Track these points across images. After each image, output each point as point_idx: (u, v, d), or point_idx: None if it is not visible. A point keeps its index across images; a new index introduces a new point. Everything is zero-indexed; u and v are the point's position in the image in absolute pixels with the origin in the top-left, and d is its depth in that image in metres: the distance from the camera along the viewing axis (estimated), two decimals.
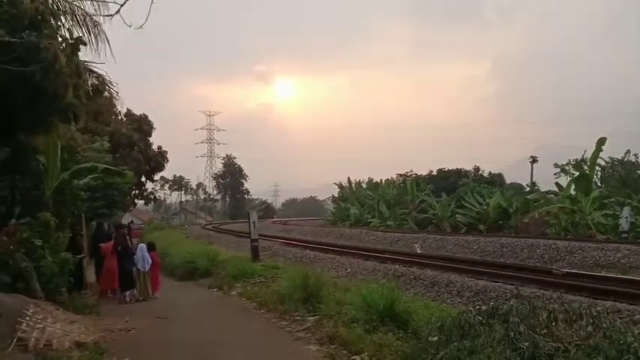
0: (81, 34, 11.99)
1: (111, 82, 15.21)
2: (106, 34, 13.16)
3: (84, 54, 12.48)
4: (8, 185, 16.71)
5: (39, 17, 9.70)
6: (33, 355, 9.60)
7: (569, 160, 49.55)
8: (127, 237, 19.87)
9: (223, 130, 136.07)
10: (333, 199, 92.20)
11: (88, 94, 11.83)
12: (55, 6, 11.40)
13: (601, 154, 41.49)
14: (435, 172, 77.84)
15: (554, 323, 7.41)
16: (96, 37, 13.03)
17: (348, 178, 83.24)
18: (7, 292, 11.35)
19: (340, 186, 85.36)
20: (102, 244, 19.72)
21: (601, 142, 39.47)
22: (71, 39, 11.15)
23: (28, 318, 10.58)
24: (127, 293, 18.19)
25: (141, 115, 50.96)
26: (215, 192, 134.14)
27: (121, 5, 7.92)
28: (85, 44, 11.56)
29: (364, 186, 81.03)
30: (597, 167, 45.91)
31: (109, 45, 13.23)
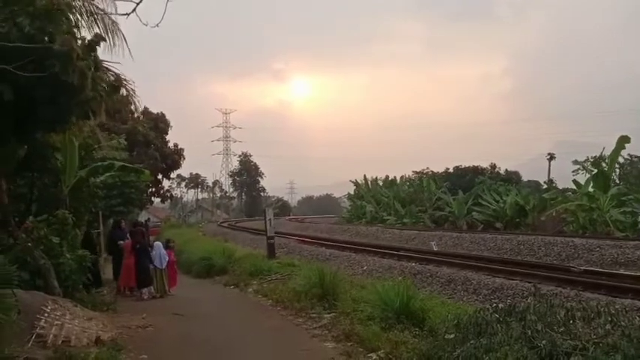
0: (98, 32, 12.06)
1: (127, 80, 15.28)
2: (122, 33, 13.24)
3: (102, 54, 12.56)
4: (27, 183, 16.83)
5: (55, 11, 9.73)
6: (51, 351, 9.65)
7: (588, 157, 49.21)
8: (145, 234, 19.95)
9: (239, 127, 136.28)
10: (349, 197, 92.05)
11: (105, 90, 11.85)
12: (72, 3, 11.45)
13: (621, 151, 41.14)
14: (451, 170, 77.64)
15: (571, 321, 7.39)
16: (112, 34, 13.10)
17: (364, 176, 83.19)
18: (26, 289, 11.40)
19: (356, 183, 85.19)
20: (121, 242, 19.76)
21: (623, 140, 39.05)
22: (89, 37, 11.20)
23: (46, 314, 10.64)
24: (144, 290, 18.25)
25: (158, 113, 51.04)
26: (231, 190, 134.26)
27: (137, 4, 7.93)
28: (104, 40, 11.62)
29: (380, 183, 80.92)
30: (616, 164, 45.54)
31: (127, 43, 13.30)
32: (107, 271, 21.07)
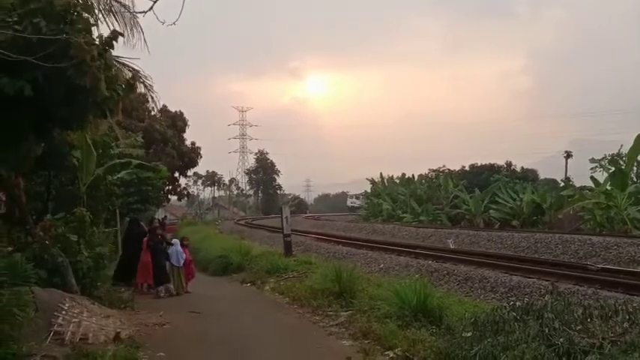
0: (117, 29, 12.09)
1: (145, 76, 15.30)
2: (141, 28, 13.28)
3: (122, 50, 12.61)
4: (44, 181, 16.90)
5: (72, 11, 9.75)
6: (69, 349, 9.68)
7: (605, 154, 48.95)
8: (161, 232, 19.99)
9: (256, 125, 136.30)
10: (365, 195, 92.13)
11: (122, 87, 11.88)
12: (89, 1, 11.48)
13: None
14: (467, 168, 77.49)
15: (589, 319, 7.39)
16: (131, 31, 13.15)
17: (380, 174, 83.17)
18: (44, 286, 11.46)
19: (372, 181, 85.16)
20: (144, 239, 19.77)
21: None
22: (106, 33, 11.22)
23: (64, 312, 10.69)
24: (161, 288, 18.29)
25: (176, 111, 51.17)
26: (248, 187, 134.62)
27: (154, 2, 7.93)
28: (122, 35, 11.63)
29: (397, 181, 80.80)
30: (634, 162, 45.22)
31: (145, 40, 13.36)
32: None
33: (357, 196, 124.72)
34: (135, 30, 12.98)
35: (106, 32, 11.38)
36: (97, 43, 10.37)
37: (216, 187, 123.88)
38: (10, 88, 9.25)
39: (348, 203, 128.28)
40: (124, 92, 11.98)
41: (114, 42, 10.93)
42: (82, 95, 10.45)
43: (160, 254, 18.56)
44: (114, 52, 11.66)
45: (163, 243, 19.18)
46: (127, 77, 12.68)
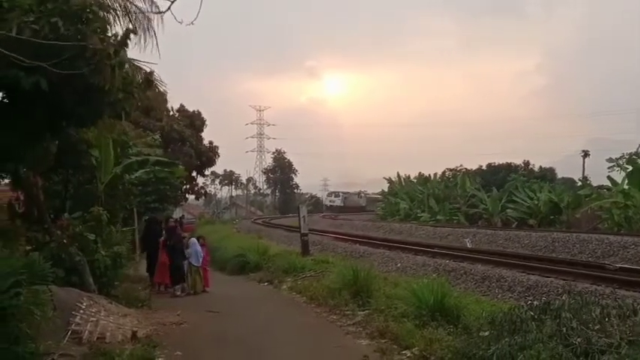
0: (132, 29, 12.08)
1: (160, 81, 15.31)
2: (154, 31, 13.27)
3: (137, 52, 12.60)
4: (62, 180, 16.95)
5: (88, 12, 9.77)
6: (87, 348, 9.72)
7: (623, 154, 48.70)
8: (179, 231, 19.99)
9: (273, 124, 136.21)
10: (382, 194, 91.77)
11: (139, 85, 11.89)
12: (106, 1, 11.50)
13: None
14: (484, 167, 77.35)
15: (606, 319, 7.36)
16: (145, 32, 13.14)
17: (397, 173, 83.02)
18: (62, 285, 11.50)
19: (389, 181, 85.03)
20: (161, 238, 19.77)
21: None
22: (123, 33, 11.23)
23: (81, 311, 10.73)
24: (178, 287, 18.32)
25: (194, 111, 51.20)
26: (265, 186, 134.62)
27: (172, 2, 7.93)
28: (135, 33, 11.62)
29: (414, 181, 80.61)
30: None
31: (157, 40, 13.34)
32: (141, 268, 21.15)
33: (336, 194, 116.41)
34: (148, 33, 12.94)
35: (121, 32, 11.41)
36: (112, 42, 10.39)
37: (233, 187, 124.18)
38: (27, 82, 9.31)
39: (327, 202, 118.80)
40: (140, 91, 12.00)
41: (128, 41, 10.93)
42: (96, 94, 10.48)
43: (177, 253, 18.58)
44: (130, 54, 11.67)
45: (182, 242, 19.18)
46: (143, 78, 12.65)
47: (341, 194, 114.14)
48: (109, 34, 10.74)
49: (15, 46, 8.56)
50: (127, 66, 11.42)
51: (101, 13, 10.27)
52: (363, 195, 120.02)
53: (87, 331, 10.28)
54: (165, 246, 18.88)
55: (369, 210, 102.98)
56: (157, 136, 24.64)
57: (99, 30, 10.11)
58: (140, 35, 12.64)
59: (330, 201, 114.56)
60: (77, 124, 12.54)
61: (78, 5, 9.69)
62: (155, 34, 13.02)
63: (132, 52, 11.82)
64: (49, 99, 10.01)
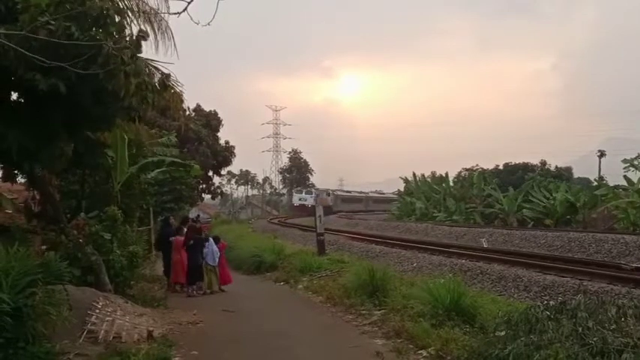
0: (147, 31, 12.10)
1: (176, 82, 15.35)
2: (172, 32, 13.30)
3: (153, 53, 12.64)
4: (78, 180, 17.02)
5: (105, 14, 9.80)
6: (102, 347, 9.75)
7: (638, 153, 48.39)
8: (199, 230, 20.02)
9: (289, 124, 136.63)
10: (398, 193, 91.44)
11: (154, 89, 11.90)
12: (121, 4, 11.52)
13: None
14: (501, 167, 77.27)
15: (623, 318, 7.37)
16: (163, 34, 13.17)
17: (413, 173, 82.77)
18: (77, 285, 11.55)
19: (405, 180, 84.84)
20: (172, 238, 19.80)
21: None
22: (136, 35, 11.25)
23: (97, 311, 10.75)
24: (195, 286, 18.35)
25: (210, 111, 51.46)
26: (281, 186, 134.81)
27: (189, 3, 7.92)
28: (148, 36, 11.64)
29: (429, 180, 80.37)
30: None
31: (174, 42, 13.36)
32: (157, 268, 21.22)
33: (308, 190, 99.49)
34: (166, 34, 13.00)
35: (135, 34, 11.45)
36: (128, 46, 10.40)
37: (249, 186, 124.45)
38: (44, 83, 9.37)
39: (294, 201, 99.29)
40: (157, 95, 12.03)
41: (142, 42, 10.95)
42: (110, 98, 10.54)
43: (195, 252, 18.60)
44: (146, 55, 11.69)
45: (203, 241, 19.19)
46: (160, 79, 12.68)
47: (314, 191, 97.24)
48: (125, 37, 10.77)
49: (31, 47, 8.60)
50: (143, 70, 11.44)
51: (117, 17, 10.29)
52: (331, 193, 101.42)
53: (103, 331, 10.31)
54: (185, 245, 18.89)
55: (336, 211, 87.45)
56: (174, 136, 24.64)
57: (115, 34, 10.14)
58: (157, 36, 12.72)
59: (301, 199, 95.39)
60: (91, 127, 12.59)
61: (95, 9, 9.71)
62: (173, 35, 13.09)
63: (148, 53, 11.88)
64: (65, 100, 10.06)
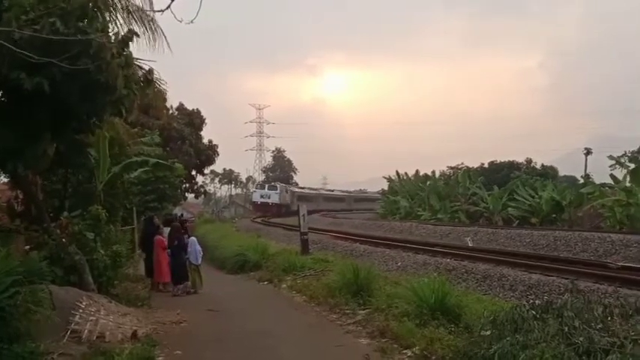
0: (132, 28, 12.11)
1: (160, 80, 15.31)
2: (162, 29, 13.31)
3: (138, 51, 12.62)
4: (61, 179, 16.93)
5: (90, 10, 9.79)
6: (86, 347, 9.72)
7: (625, 151, 48.52)
8: (184, 230, 20.01)
9: (273, 123, 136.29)
10: (382, 192, 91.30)
11: (138, 84, 11.90)
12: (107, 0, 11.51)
13: None
14: (486, 165, 77.29)
15: (609, 318, 7.37)
16: (151, 31, 13.17)
17: (397, 172, 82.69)
18: (61, 284, 11.50)
19: (389, 179, 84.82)
20: (155, 237, 19.72)
21: None
22: (123, 33, 11.24)
23: (81, 310, 10.70)
24: (180, 286, 18.33)
25: (193, 109, 51.32)
26: None
27: (172, 0, 7.91)
28: (137, 35, 11.64)
29: (412, 179, 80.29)
30: None
31: (166, 38, 13.37)
32: (141, 267, 21.14)
33: (271, 186, 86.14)
34: (155, 32, 13.01)
35: (122, 31, 11.43)
36: (114, 41, 10.40)
37: (233, 185, 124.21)
38: (29, 82, 9.33)
39: (255, 198, 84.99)
40: (141, 90, 12.01)
41: (130, 42, 10.95)
42: (99, 92, 10.50)
43: (179, 252, 18.60)
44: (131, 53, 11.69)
45: (184, 240, 19.18)
46: (142, 75, 12.67)
47: (279, 186, 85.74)
48: (110, 33, 10.76)
49: (18, 45, 8.57)
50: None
51: (101, 12, 10.27)
52: (289, 190, 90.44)
53: (86, 331, 10.26)
54: (169, 247, 18.86)
55: (294, 210, 69.27)
56: (157, 135, 24.56)
57: (100, 28, 10.12)
58: (141, 34, 12.70)
59: (262, 196, 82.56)
60: (79, 124, 12.51)
61: (79, 3, 9.68)
62: (163, 32, 13.10)
63: (133, 51, 11.87)
64: (51, 98, 10.02)
